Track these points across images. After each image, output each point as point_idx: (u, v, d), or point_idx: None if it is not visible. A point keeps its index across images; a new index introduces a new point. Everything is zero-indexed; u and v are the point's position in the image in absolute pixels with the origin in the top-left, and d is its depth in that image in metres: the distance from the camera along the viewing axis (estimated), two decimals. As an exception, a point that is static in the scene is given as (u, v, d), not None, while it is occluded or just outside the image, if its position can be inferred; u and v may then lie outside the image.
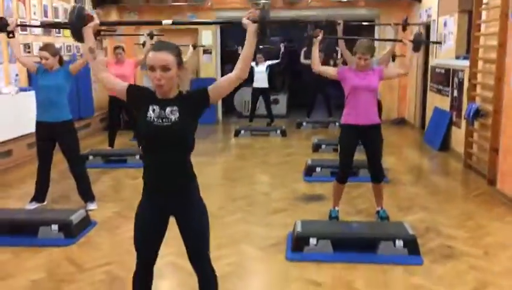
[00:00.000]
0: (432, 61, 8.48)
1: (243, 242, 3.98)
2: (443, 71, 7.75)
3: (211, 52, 10.62)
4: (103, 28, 7.47)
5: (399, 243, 3.64)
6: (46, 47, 4.63)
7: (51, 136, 4.63)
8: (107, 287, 3.21)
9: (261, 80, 9.39)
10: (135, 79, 7.33)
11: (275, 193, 5.37)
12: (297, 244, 3.73)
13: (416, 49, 4.66)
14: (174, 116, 2.33)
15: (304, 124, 9.68)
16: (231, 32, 10.82)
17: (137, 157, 6.63)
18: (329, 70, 4.44)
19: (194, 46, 8.68)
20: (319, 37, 4.31)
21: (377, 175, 4.37)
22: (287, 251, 3.75)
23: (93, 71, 2.57)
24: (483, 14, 6.02)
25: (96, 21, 2.59)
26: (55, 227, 4.01)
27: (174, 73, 2.32)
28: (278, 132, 8.85)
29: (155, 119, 2.32)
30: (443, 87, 7.74)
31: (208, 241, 2.53)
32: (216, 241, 3.96)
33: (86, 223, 4.24)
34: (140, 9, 10.33)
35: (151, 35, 7.29)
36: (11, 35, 4.57)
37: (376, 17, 10.25)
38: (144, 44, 7.36)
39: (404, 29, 6.22)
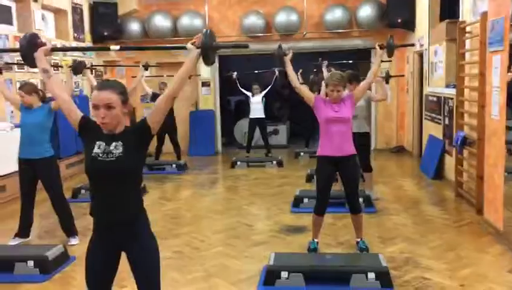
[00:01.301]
0: (426, 90, 8.49)
1: (216, 276, 3.96)
2: (435, 99, 7.75)
3: (209, 85, 10.77)
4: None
5: (371, 275, 3.59)
6: (22, 86, 4.77)
7: (33, 172, 4.71)
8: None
9: (257, 110, 9.46)
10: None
11: (258, 224, 5.36)
12: (269, 278, 3.70)
13: (389, 54, 4.74)
14: (118, 151, 2.37)
15: (302, 154, 9.68)
16: (230, 62, 10.96)
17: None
18: (307, 93, 4.41)
19: (146, 67, 8.46)
20: (290, 55, 4.41)
21: (354, 206, 4.35)
22: (259, 285, 3.72)
23: (49, 88, 2.64)
24: (467, 43, 6.04)
25: (48, 46, 2.70)
26: (30, 263, 4.04)
27: (119, 111, 2.37)
28: (274, 162, 8.85)
29: (100, 155, 2.37)
30: (436, 115, 7.73)
31: (158, 280, 2.51)
32: (191, 275, 4.02)
33: (64, 258, 4.26)
34: (139, 45, 10.55)
35: (146, 67, 7.44)
36: None
37: (372, 47, 10.30)
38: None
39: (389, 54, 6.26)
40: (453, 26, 6.65)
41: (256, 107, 9.45)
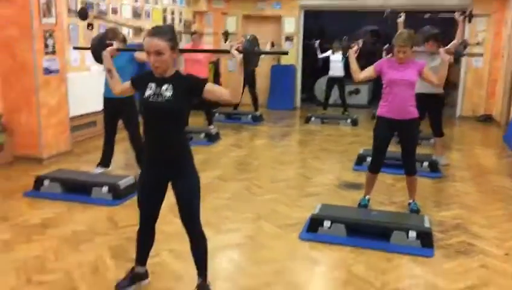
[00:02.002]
0: (520, 55, 7.89)
1: (265, 219, 4.21)
2: (528, 66, 7.20)
3: (292, 39, 10.80)
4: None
5: (412, 234, 3.64)
6: (106, 32, 5.17)
7: (115, 111, 5.22)
8: (130, 243, 3.64)
9: (336, 68, 9.38)
10: (207, 64, 7.70)
11: (317, 178, 5.50)
12: (312, 226, 3.89)
13: (455, 61, 4.53)
14: (168, 94, 2.63)
15: (379, 114, 9.51)
16: (314, 20, 10.87)
17: (202, 135, 7.15)
18: (368, 73, 4.33)
19: (272, 44, 8.96)
20: (355, 48, 4.40)
21: (408, 168, 4.34)
22: (302, 231, 3.92)
23: (111, 85, 3.08)
24: None
25: (115, 46, 3.17)
26: (105, 189, 4.57)
27: (168, 56, 2.61)
28: (349, 121, 8.84)
29: (151, 96, 2.65)
30: (527, 84, 7.20)
31: (198, 205, 2.79)
32: (242, 215, 4.31)
33: (134, 188, 4.72)
34: (228, -4, 10.80)
35: (225, 34, 7.99)
36: (89, 27, 5.20)
37: (468, 7, 9.69)
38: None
39: (469, 20, 5.93)
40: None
41: (336, 65, 9.36)
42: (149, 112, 2.69)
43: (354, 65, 4.36)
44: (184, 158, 2.76)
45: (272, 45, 9.04)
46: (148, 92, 2.67)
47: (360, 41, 4.52)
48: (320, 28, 14.19)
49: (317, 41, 9.57)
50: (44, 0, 5.73)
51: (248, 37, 2.72)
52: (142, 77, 2.80)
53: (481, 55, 8.93)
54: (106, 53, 3.09)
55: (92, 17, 5.01)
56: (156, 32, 2.62)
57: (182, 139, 2.75)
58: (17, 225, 3.99)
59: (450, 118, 9.65)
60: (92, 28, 5.11)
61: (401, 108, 4.16)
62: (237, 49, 2.66)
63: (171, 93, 2.63)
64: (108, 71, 3.07)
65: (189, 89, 2.68)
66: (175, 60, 2.71)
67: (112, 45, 3.19)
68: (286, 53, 3.13)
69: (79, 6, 6.57)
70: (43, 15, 5.73)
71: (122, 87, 3.02)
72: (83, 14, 4.98)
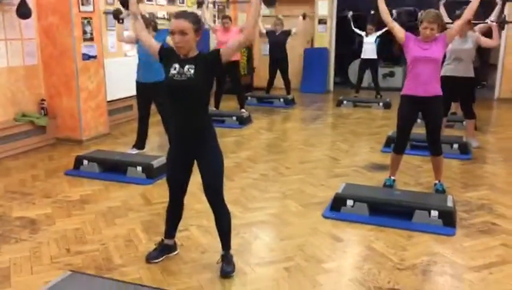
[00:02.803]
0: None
1: (290, 198, 4.35)
2: None
3: (326, 22, 10.77)
4: None
5: (434, 213, 3.70)
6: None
7: (147, 94, 5.45)
8: (161, 218, 3.86)
9: (369, 51, 9.32)
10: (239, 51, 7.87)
11: (345, 160, 5.58)
12: (336, 204, 4.00)
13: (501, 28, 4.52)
14: (191, 73, 2.80)
15: (414, 98, 9.42)
16: (348, 1, 10.77)
17: (234, 118, 7.31)
18: (398, 31, 4.29)
19: (304, 16, 9.01)
20: None
21: (434, 148, 4.36)
22: (326, 210, 4.04)
23: (136, 29, 3.20)
24: None
25: None
26: (139, 168, 4.81)
27: (191, 37, 2.78)
28: (381, 104, 8.82)
29: (175, 75, 2.83)
30: None
31: (221, 181, 2.96)
32: (269, 194, 4.48)
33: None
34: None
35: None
36: (121, 21, 5.45)
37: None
38: None
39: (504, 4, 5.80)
40: None
41: (369, 47, 9.31)
42: (173, 90, 2.86)
43: (383, 8, 4.30)
44: (208, 134, 2.91)
45: (304, 17, 9.03)
46: (172, 72, 2.84)
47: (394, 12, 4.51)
48: (355, 11, 14.06)
49: (350, 12, 9.45)
50: (82, -11, 6.00)
51: None
52: (169, 51, 2.93)
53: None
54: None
55: (125, 14, 5.29)
56: (181, 14, 2.82)
57: (205, 116, 2.90)
58: (58, 201, 4.28)
59: (488, 100, 9.47)
60: (123, 22, 5.42)
61: (425, 85, 4.17)
62: None
63: (193, 71, 2.79)
64: (134, 14, 3.23)
65: (209, 64, 2.83)
66: (197, 42, 2.87)
67: None
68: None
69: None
70: (81, 3, 6.00)
71: (150, 39, 3.10)
72: (124, 2, 5.28)
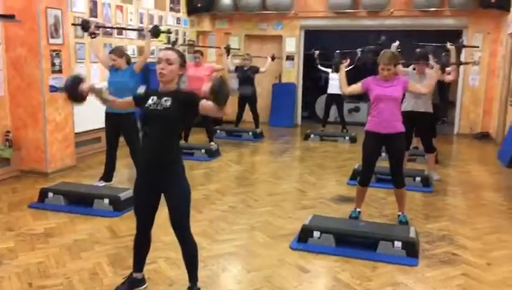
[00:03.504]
0: (513, 74, 8.10)
1: (258, 230, 4.39)
2: (520, 85, 7.39)
3: (293, 59, 11.06)
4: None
5: (397, 244, 3.80)
6: (114, 50, 5.48)
7: (116, 125, 5.45)
8: (128, 251, 3.82)
9: (335, 86, 9.48)
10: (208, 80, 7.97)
11: (312, 192, 5.68)
12: (303, 236, 4.06)
13: (442, 70, 4.83)
14: (167, 104, 2.89)
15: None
16: (315, 39, 11.13)
17: (203, 151, 7.36)
18: (355, 88, 4.56)
19: (273, 58, 9.29)
20: (345, 64, 4.79)
21: (397, 180, 4.51)
22: (293, 241, 4.09)
23: (111, 105, 3.35)
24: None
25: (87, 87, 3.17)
26: (106, 200, 4.77)
27: (175, 68, 2.91)
28: (347, 138, 9.05)
29: (151, 105, 2.93)
30: (519, 102, 7.39)
31: (188, 213, 2.99)
32: (237, 226, 4.49)
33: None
34: (230, 17, 11.12)
35: (227, 48, 8.31)
36: (93, 35, 5.53)
37: (464, 27, 9.96)
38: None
39: (459, 51, 6.20)
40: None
41: (334, 83, 9.52)
42: (147, 119, 2.94)
43: (342, 79, 4.64)
44: (176, 167, 2.95)
45: (273, 58, 9.29)
46: (149, 102, 2.93)
47: (347, 60, 4.84)
48: (322, 48, 14.50)
49: (317, 52, 9.70)
50: (53, 22, 6.03)
51: (215, 80, 2.79)
52: (145, 94, 3.02)
53: (468, 63, 8.94)
54: (86, 88, 3.16)
55: (93, 26, 5.46)
56: (170, 48, 3.06)
57: (175, 148, 2.96)
58: (21, 234, 4.19)
59: (447, 136, 9.83)
60: (95, 36, 5.51)
61: (388, 122, 4.36)
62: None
63: (170, 103, 2.88)
64: (101, 98, 3.23)
65: (186, 102, 2.91)
66: (179, 78, 2.96)
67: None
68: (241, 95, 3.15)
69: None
70: (50, 36, 6.02)
71: (122, 101, 3.25)
72: (85, 25, 5.47)
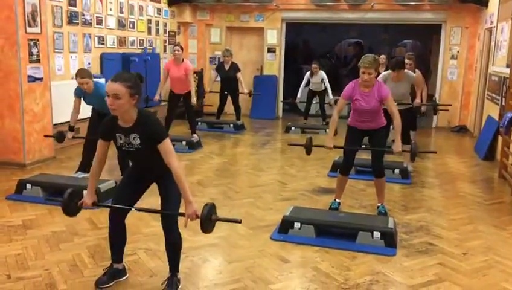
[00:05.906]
0: (490, 69, 8.24)
1: (239, 221, 4.40)
2: (496, 79, 7.54)
3: (275, 51, 11.07)
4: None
5: (376, 234, 3.86)
6: (80, 73, 5.30)
7: (100, 120, 5.39)
8: (108, 242, 3.80)
9: (317, 86, 9.54)
10: (189, 79, 7.77)
11: (293, 184, 5.72)
12: (283, 227, 4.09)
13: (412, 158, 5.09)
14: (137, 143, 2.86)
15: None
16: (296, 31, 11.15)
17: (184, 143, 7.33)
18: (341, 107, 4.57)
19: (250, 94, 9.27)
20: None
21: (376, 170, 4.59)
22: (273, 232, 4.12)
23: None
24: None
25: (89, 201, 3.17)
26: (85, 192, 4.70)
27: (125, 102, 2.75)
28: (328, 130, 9.08)
29: (123, 145, 2.90)
30: (495, 96, 7.53)
31: (179, 206, 3.00)
32: (218, 219, 4.46)
33: (114, 192, 4.90)
34: (211, 8, 11.05)
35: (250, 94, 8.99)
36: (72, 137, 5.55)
37: (443, 21, 10.09)
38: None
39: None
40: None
41: (315, 85, 9.52)
42: (128, 156, 3.02)
43: (331, 131, 4.73)
44: (166, 175, 2.92)
45: (250, 94, 9.33)
46: (119, 141, 2.91)
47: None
48: (303, 40, 14.54)
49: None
50: (30, 10, 5.91)
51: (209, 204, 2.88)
52: (107, 127, 2.92)
53: (449, 104, 8.85)
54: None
55: (70, 136, 5.55)
56: (117, 78, 2.79)
57: (162, 162, 2.85)
58: (-2, 226, 4.13)
59: (426, 129, 9.97)
60: (74, 137, 5.64)
61: (369, 122, 4.49)
62: (197, 215, 2.83)
63: (139, 141, 2.85)
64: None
65: (152, 138, 2.82)
66: (136, 103, 2.83)
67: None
68: (239, 221, 3.13)
69: (66, 19, 6.78)
70: (28, 24, 5.90)
71: (100, 155, 3.02)
72: (59, 137, 5.46)
